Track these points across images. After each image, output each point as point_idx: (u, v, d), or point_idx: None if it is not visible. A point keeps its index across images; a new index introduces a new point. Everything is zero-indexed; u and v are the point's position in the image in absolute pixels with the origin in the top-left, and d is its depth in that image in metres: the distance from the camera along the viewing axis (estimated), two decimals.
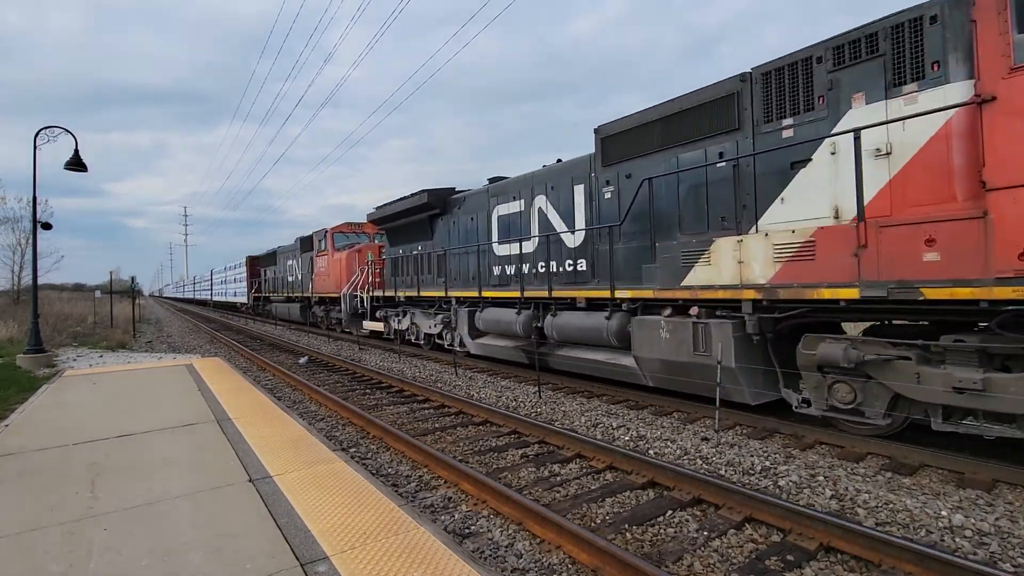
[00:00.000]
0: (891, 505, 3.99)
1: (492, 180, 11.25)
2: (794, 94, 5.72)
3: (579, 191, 8.69)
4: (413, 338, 14.12)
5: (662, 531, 3.76)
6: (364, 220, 17.81)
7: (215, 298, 44.94)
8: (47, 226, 13.87)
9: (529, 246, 9.69)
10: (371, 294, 15.80)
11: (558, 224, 9.09)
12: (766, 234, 5.72)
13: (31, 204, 12.32)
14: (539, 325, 9.13)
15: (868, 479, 4.56)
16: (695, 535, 3.65)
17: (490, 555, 3.44)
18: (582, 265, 8.70)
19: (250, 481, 4.09)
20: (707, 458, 5.13)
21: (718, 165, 6.47)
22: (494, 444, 5.87)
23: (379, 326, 15.32)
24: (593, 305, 8.21)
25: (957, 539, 3.51)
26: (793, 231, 5.47)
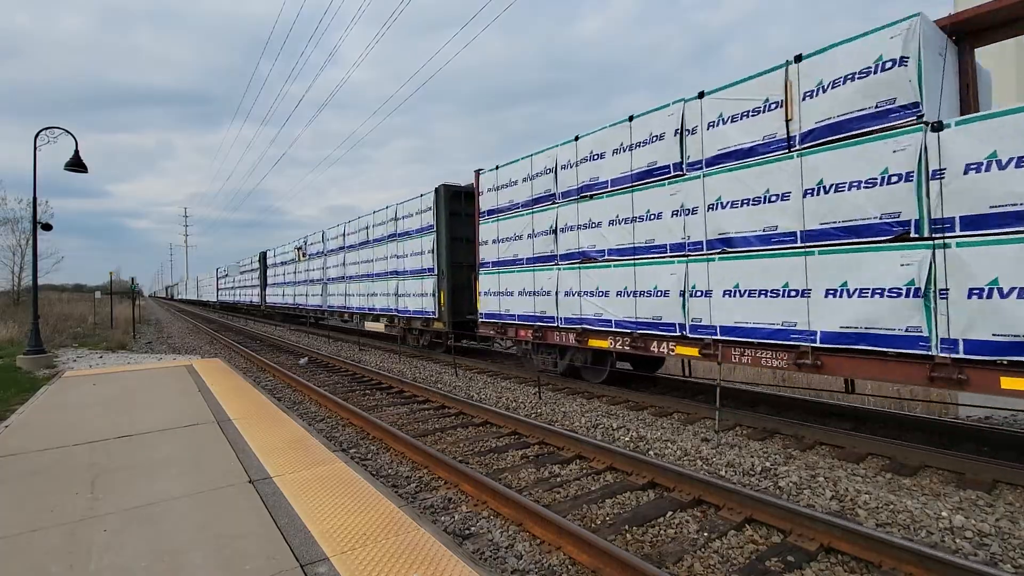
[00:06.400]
0: (892, 506, 3.98)
1: None
2: None
3: None
4: None
5: (662, 532, 3.75)
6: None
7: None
8: (47, 227, 13.89)
9: None
10: None
11: None
12: None
13: (31, 205, 12.34)
14: None
15: (868, 480, 4.56)
16: (695, 536, 3.65)
17: (490, 556, 3.44)
18: None
19: (250, 482, 4.09)
20: (707, 459, 5.13)
21: None
22: (494, 445, 5.86)
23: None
24: None
25: (958, 540, 3.51)
26: None
